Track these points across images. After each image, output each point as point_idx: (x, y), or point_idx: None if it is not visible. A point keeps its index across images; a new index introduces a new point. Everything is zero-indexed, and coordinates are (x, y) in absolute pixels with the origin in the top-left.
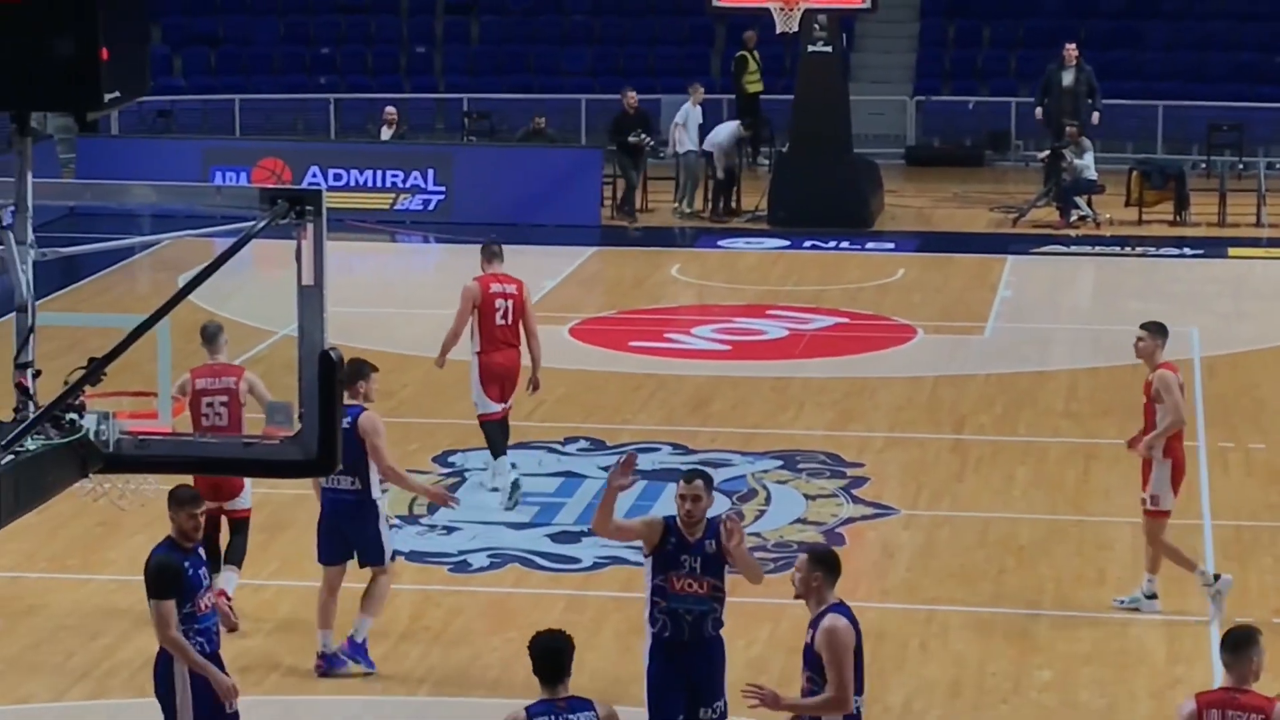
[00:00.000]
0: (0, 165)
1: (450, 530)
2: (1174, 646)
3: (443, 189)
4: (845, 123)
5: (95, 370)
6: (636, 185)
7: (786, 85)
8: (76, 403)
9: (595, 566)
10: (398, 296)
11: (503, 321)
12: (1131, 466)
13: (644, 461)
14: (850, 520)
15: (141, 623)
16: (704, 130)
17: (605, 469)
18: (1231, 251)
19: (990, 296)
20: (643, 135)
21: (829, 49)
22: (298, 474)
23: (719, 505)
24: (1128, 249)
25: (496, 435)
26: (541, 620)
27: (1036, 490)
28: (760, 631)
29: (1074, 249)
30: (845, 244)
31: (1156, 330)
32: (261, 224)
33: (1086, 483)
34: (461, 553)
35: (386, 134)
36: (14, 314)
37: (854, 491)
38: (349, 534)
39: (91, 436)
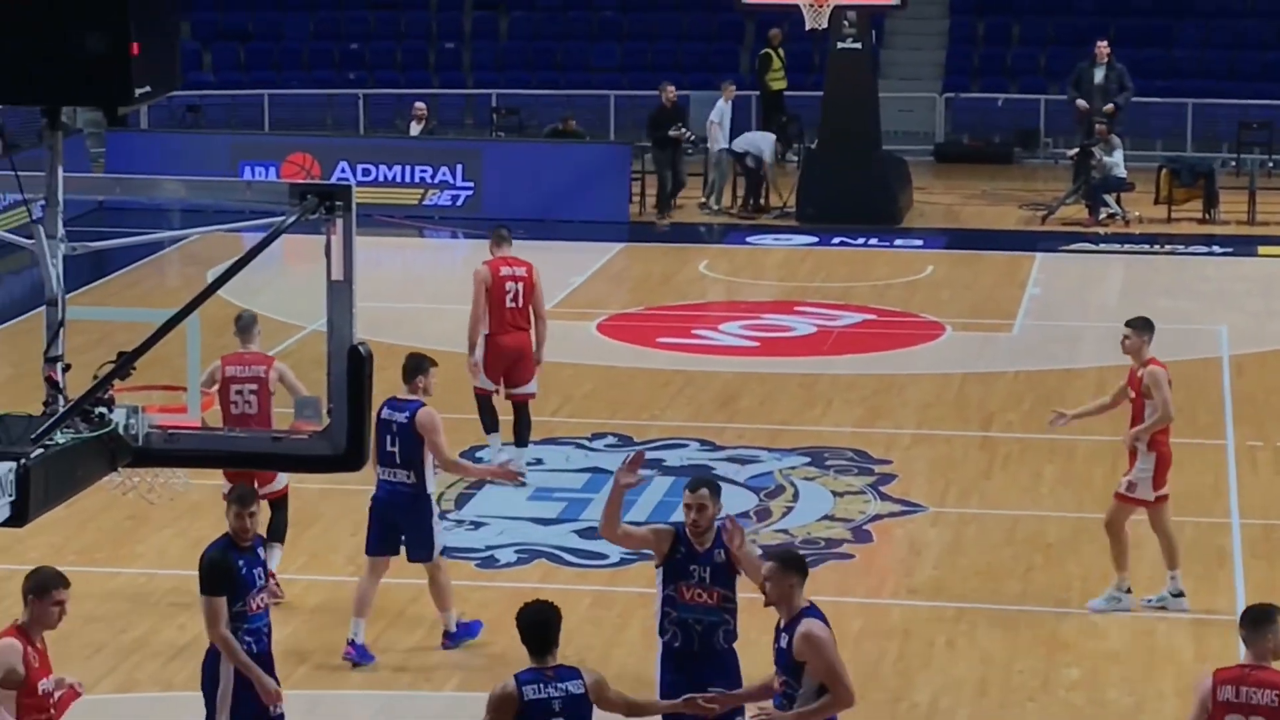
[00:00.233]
0: (31, 160)
1: (478, 525)
2: (1202, 646)
3: (471, 184)
4: (874, 119)
5: (125, 364)
6: (681, 181)
7: (816, 82)
8: (106, 397)
9: (622, 563)
10: (426, 291)
11: (513, 304)
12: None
13: (671, 458)
14: (878, 517)
15: (169, 616)
16: (734, 126)
17: None
18: (1261, 250)
19: (1019, 294)
20: (683, 129)
21: (858, 45)
22: (326, 469)
23: (743, 501)
24: (1157, 247)
25: (487, 411)
26: (569, 616)
27: (1064, 488)
28: None
29: (1103, 247)
30: (874, 241)
31: (1143, 326)
32: (291, 219)
33: (1114, 481)
34: (489, 548)
35: (415, 129)
36: (44, 308)
37: (882, 488)
38: (402, 526)
39: (121, 430)
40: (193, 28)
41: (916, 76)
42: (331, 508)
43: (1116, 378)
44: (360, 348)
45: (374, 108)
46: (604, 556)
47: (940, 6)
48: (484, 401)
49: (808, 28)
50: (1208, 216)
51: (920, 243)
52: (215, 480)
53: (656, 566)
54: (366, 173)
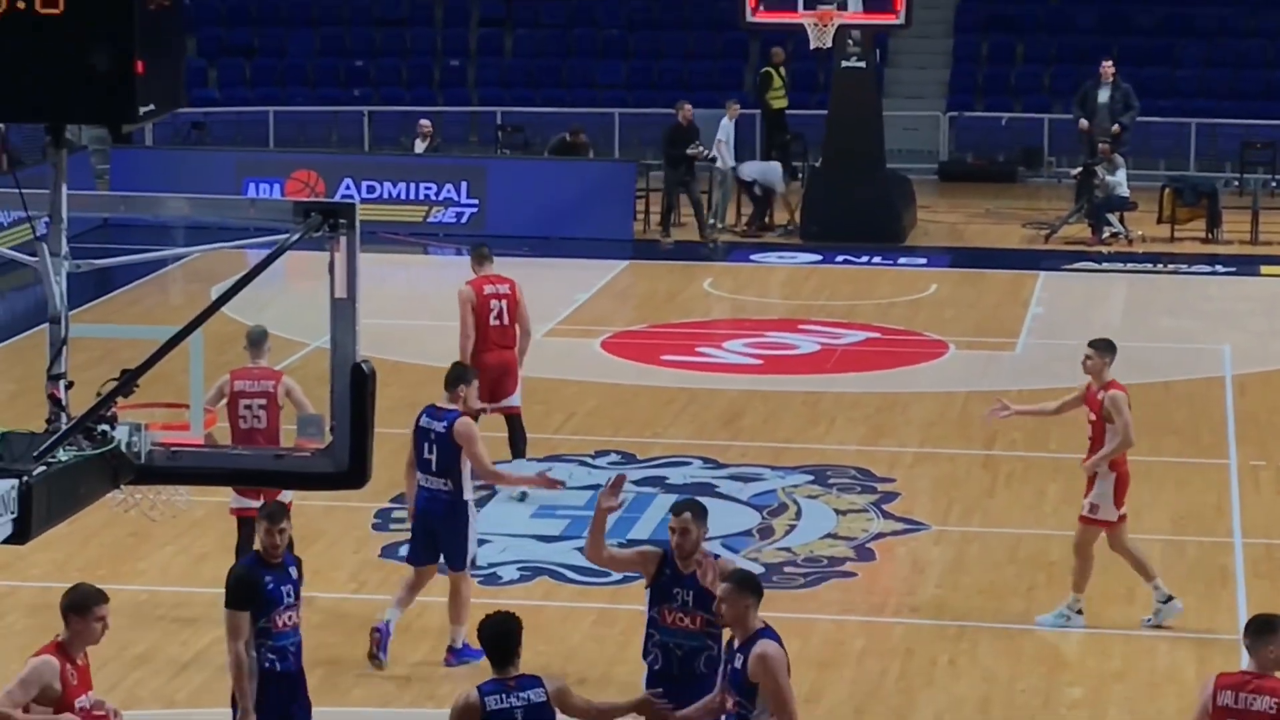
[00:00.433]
0: (35, 177)
1: (480, 542)
2: (1204, 665)
3: (476, 202)
4: (878, 138)
5: (128, 382)
6: (697, 200)
7: (820, 100)
8: (109, 414)
9: (625, 580)
10: (430, 309)
11: (497, 322)
12: (1163, 484)
13: (675, 475)
14: (881, 535)
15: (171, 633)
16: (738, 145)
17: (636, 483)
18: (1264, 269)
19: (1022, 312)
20: (700, 147)
21: (863, 64)
22: (329, 486)
23: (746, 519)
24: (1160, 266)
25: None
26: (571, 633)
27: (1067, 507)
28: (789, 648)
29: (1106, 266)
30: (878, 259)
31: (1104, 348)
32: (295, 236)
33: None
34: (491, 565)
35: (420, 146)
36: (47, 325)
37: (885, 507)
38: (439, 534)
39: (123, 448)
40: (198, 44)
41: (921, 95)
42: (334, 525)
43: None
44: (363, 365)
45: (379, 125)
46: (606, 574)
47: (944, 26)
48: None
49: (812, 46)
50: (1211, 236)
51: (924, 261)
52: (217, 497)
53: (646, 588)
54: (371, 190)
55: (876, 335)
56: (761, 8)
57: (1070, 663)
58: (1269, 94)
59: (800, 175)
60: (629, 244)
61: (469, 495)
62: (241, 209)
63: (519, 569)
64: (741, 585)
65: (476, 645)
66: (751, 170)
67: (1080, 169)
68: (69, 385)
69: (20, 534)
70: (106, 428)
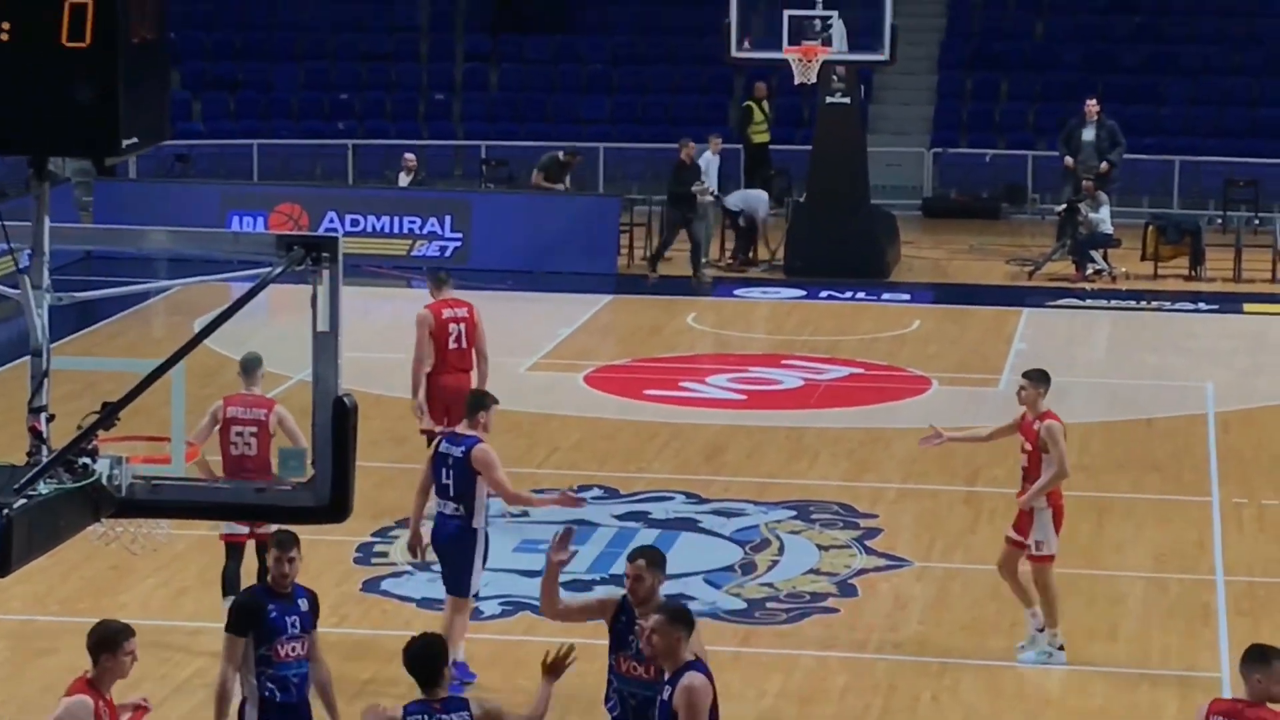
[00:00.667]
0: (18, 209)
1: None
2: (1186, 703)
3: (460, 236)
4: (862, 174)
5: (109, 415)
6: (698, 240)
7: (805, 136)
8: (90, 447)
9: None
10: (413, 342)
11: (455, 345)
12: (1145, 521)
13: (657, 510)
14: (863, 571)
15: (151, 666)
16: (722, 179)
17: (619, 518)
18: (1247, 307)
19: (1005, 349)
20: (704, 184)
21: (847, 100)
22: (310, 520)
23: (729, 555)
24: (1143, 303)
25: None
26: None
27: None
28: (771, 684)
29: (1089, 302)
30: (861, 294)
31: (1039, 379)
32: (278, 270)
33: (1099, 536)
34: (475, 597)
35: (404, 180)
36: (29, 357)
37: (867, 542)
38: (446, 557)
39: (104, 481)
40: (182, 77)
41: (905, 131)
42: (316, 559)
43: (1102, 433)
44: (345, 399)
45: (363, 158)
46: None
47: (929, 62)
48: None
49: (797, 82)
50: (1194, 273)
51: (907, 297)
52: (199, 530)
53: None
54: (355, 223)
55: (860, 371)
56: (746, 43)
57: (1052, 700)
58: (1252, 132)
59: (785, 205)
60: (613, 278)
61: (480, 523)
62: (224, 242)
63: (501, 604)
64: (673, 618)
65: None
66: (735, 200)
67: (1064, 206)
68: (50, 418)
69: (0, 567)
70: (87, 461)
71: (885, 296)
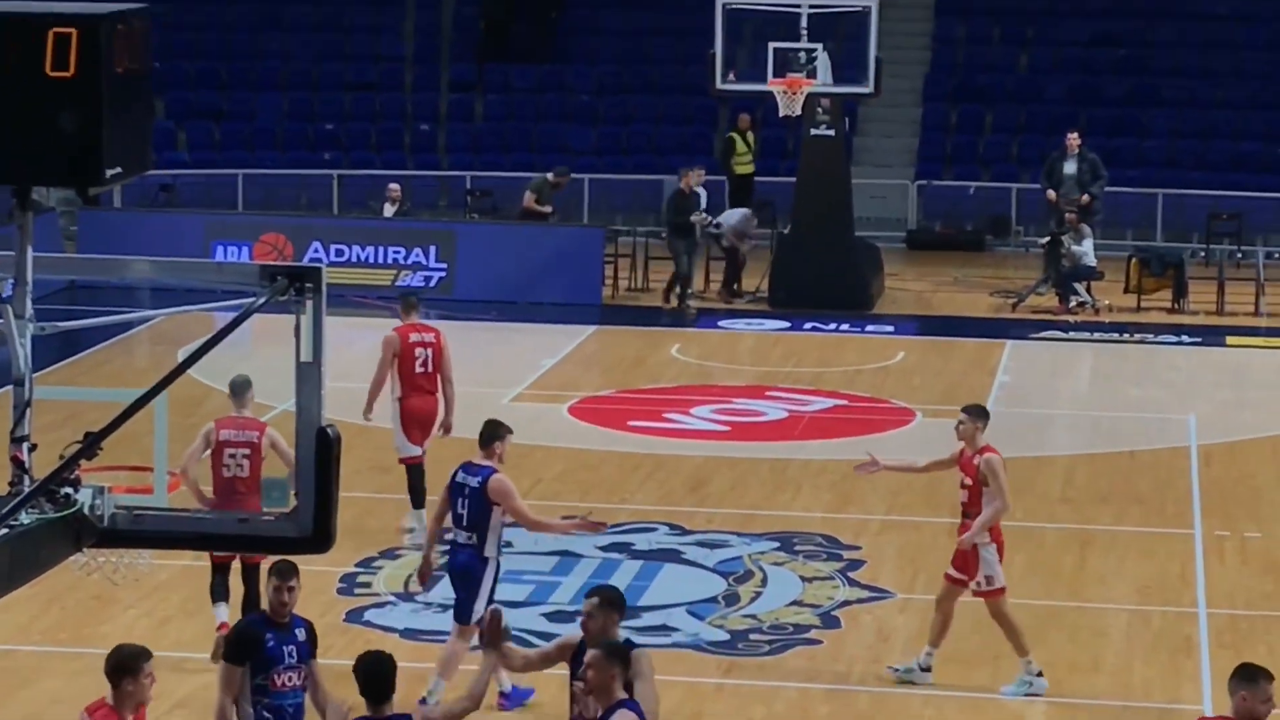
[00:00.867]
0: (1, 238)
1: (446, 608)
2: None
3: (445, 266)
4: (847, 206)
5: (91, 445)
6: (691, 270)
7: (789, 168)
8: (72, 477)
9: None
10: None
11: (422, 369)
12: (1128, 553)
13: (641, 541)
14: (846, 603)
15: None
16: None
17: (602, 549)
18: (1230, 340)
19: (989, 381)
20: (704, 215)
21: (831, 132)
22: (293, 551)
23: (712, 586)
24: (1126, 336)
25: (419, 482)
26: (536, 701)
27: (1033, 576)
28: (754, 715)
29: (1073, 335)
30: (845, 326)
31: (977, 413)
32: (261, 300)
33: (1082, 569)
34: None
35: (389, 210)
36: (11, 387)
37: (850, 574)
38: (457, 584)
39: (86, 511)
40: (167, 106)
41: (889, 163)
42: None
43: (1086, 465)
44: (329, 429)
45: (348, 188)
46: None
47: (913, 95)
48: (417, 471)
49: (781, 114)
50: (1177, 306)
51: (891, 329)
52: (181, 560)
53: None
54: (340, 253)
55: (843, 403)
56: (731, 75)
57: None
58: (1236, 165)
59: (770, 237)
60: (597, 309)
61: (491, 553)
62: (208, 272)
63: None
64: (610, 654)
65: (448, 697)
66: (725, 217)
67: (1048, 238)
68: (32, 448)
69: None
70: (70, 491)
71: (869, 328)
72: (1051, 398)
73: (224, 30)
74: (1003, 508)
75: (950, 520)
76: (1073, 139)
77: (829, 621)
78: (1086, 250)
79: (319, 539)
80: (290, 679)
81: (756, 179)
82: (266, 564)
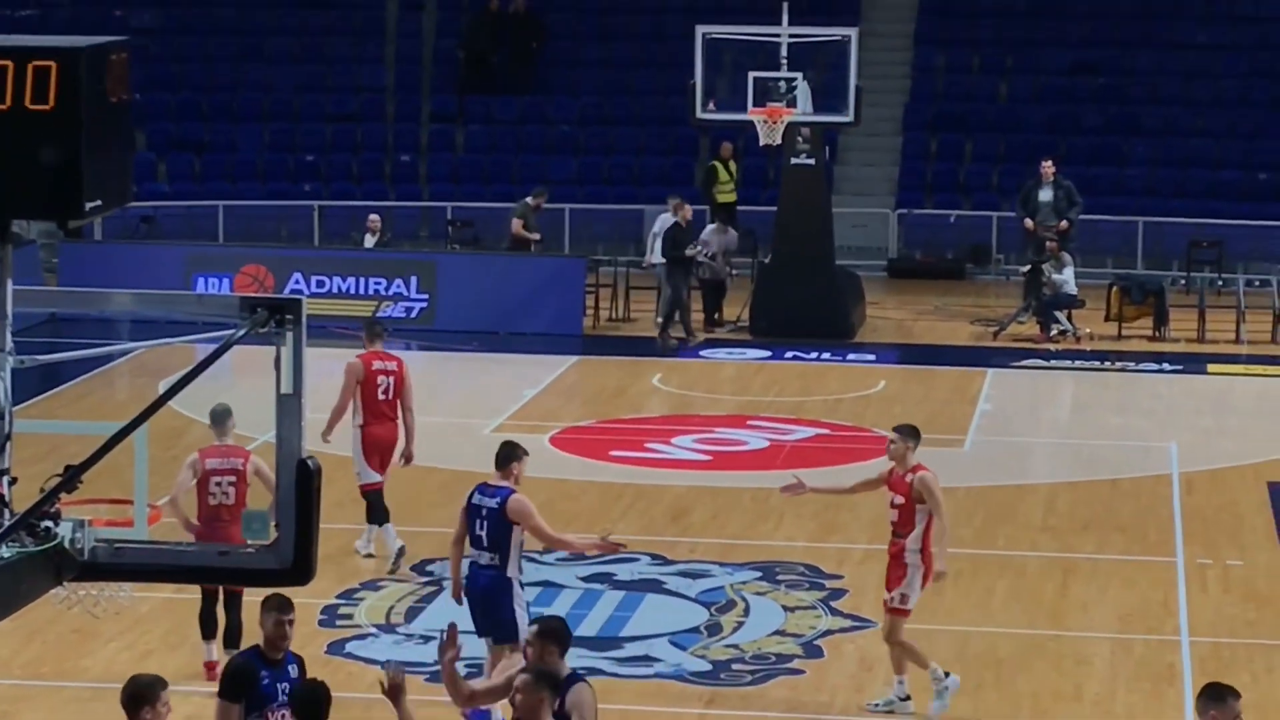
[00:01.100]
0: None
1: (427, 639)
2: None
3: (426, 296)
4: (828, 234)
5: (71, 478)
6: (686, 301)
7: (770, 197)
8: (52, 510)
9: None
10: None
11: (384, 396)
12: (1110, 582)
13: (622, 572)
14: (829, 633)
15: None
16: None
17: (584, 579)
18: (1211, 368)
19: (970, 409)
20: (699, 247)
21: (812, 161)
22: (273, 583)
23: (694, 616)
24: (1107, 364)
25: (379, 504)
26: None
27: (1015, 604)
28: None
29: (1054, 363)
30: (826, 355)
31: (909, 433)
32: (241, 332)
33: (1065, 597)
34: (438, 662)
35: (370, 241)
36: None
37: (833, 604)
38: (483, 607)
39: (66, 544)
40: (148, 138)
41: (870, 192)
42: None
43: (1068, 493)
44: (308, 461)
45: (329, 219)
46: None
47: (893, 124)
48: (376, 496)
49: (762, 144)
50: (1158, 334)
51: (873, 357)
52: (162, 593)
53: None
54: (321, 284)
55: (825, 432)
56: (712, 105)
57: None
58: (1215, 193)
59: (751, 266)
60: (578, 339)
61: (514, 572)
62: (188, 304)
63: (465, 665)
64: (538, 678)
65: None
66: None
67: (1029, 267)
68: (12, 481)
69: None
70: (50, 524)
71: (850, 357)
72: (1033, 426)
73: (204, 62)
74: (945, 524)
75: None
76: (1047, 167)
77: (811, 651)
78: (1067, 278)
79: (300, 571)
80: (283, 716)
81: (738, 208)
82: (250, 594)
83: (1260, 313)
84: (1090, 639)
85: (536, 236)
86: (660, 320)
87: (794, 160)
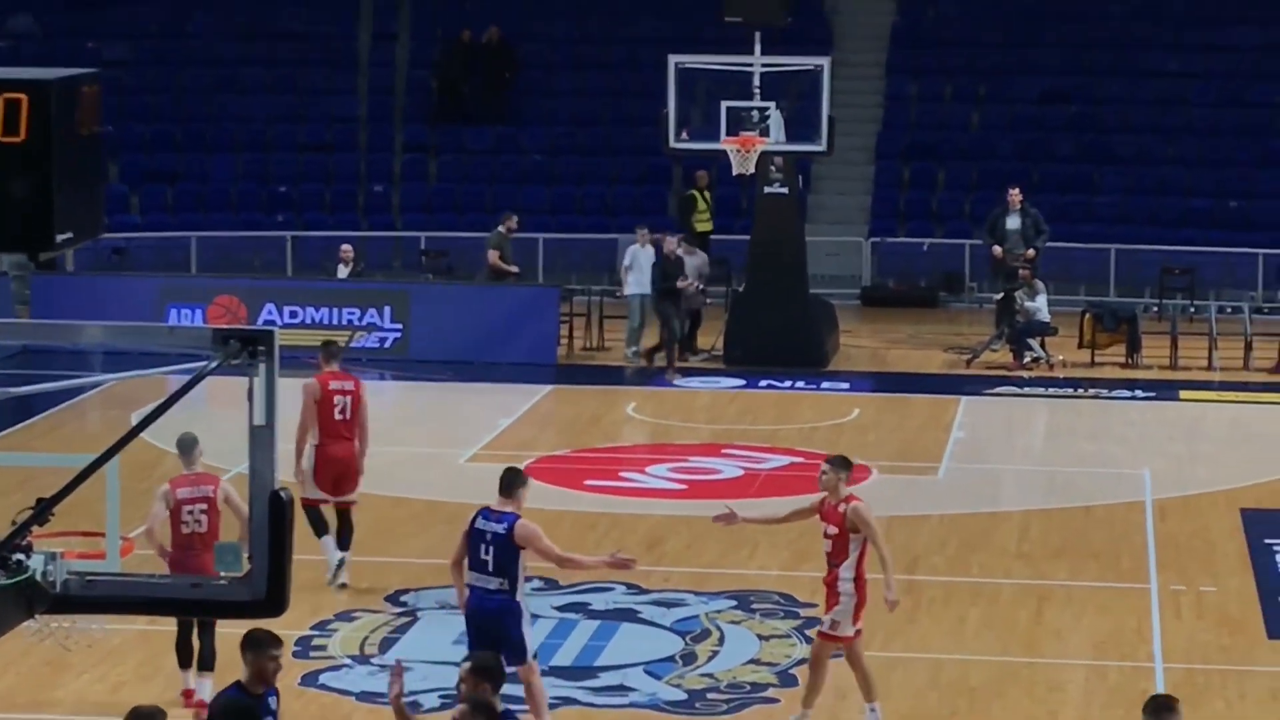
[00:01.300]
0: None
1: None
2: None
3: (400, 327)
4: (801, 263)
5: (43, 510)
6: (681, 334)
7: (744, 225)
8: (24, 543)
9: (549, 707)
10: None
11: (341, 416)
12: (1084, 608)
13: (597, 601)
14: (803, 661)
15: None
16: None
17: (559, 609)
18: (1183, 394)
19: (944, 437)
20: (687, 280)
21: (785, 190)
22: (246, 615)
23: (669, 645)
24: (1080, 391)
25: (318, 519)
26: None
27: (989, 631)
28: None
29: (1027, 390)
30: (801, 384)
31: (840, 464)
32: (214, 364)
33: (1038, 624)
34: (412, 693)
35: (343, 272)
36: None
37: (808, 632)
38: (491, 632)
39: (38, 577)
40: (120, 169)
41: (843, 221)
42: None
43: (1041, 521)
44: (281, 493)
45: (302, 250)
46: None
47: (866, 152)
48: (314, 512)
49: (735, 172)
50: (1130, 361)
51: (847, 386)
52: (134, 625)
53: None
54: (294, 314)
55: (800, 460)
56: (685, 134)
57: None
58: (1187, 221)
59: (725, 295)
60: (552, 369)
61: (520, 596)
62: (161, 336)
63: (440, 697)
64: (474, 709)
65: None
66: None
67: (1001, 295)
68: None
69: None
70: (21, 557)
71: (824, 385)
72: (1006, 453)
73: (177, 93)
74: (886, 552)
75: (906, 576)
76: (1014, 194)
77: (786, 680)
78: (1040, 306)
79: (273, 603)
80: None
81: (711, 237)
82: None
83: (1232, 339)
84: (1064, 666)
85: (514, 269)
86: (641, 349)
87: (767, 189)
